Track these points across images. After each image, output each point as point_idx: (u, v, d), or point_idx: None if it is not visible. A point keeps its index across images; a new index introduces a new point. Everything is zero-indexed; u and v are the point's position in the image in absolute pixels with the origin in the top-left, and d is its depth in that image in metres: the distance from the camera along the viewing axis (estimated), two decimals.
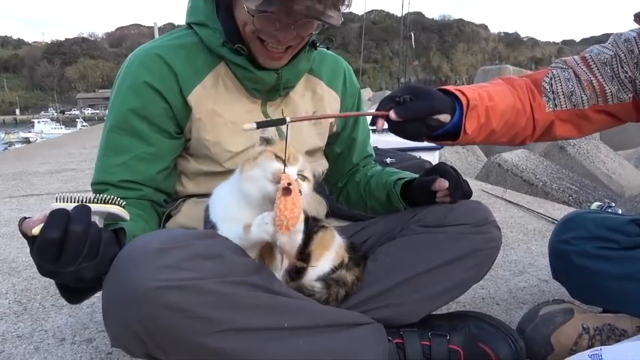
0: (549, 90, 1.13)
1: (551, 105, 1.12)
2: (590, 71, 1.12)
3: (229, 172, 1.04)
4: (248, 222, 0.79)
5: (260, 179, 0.80)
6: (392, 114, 0.91)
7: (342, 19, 0.96)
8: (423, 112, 0.94)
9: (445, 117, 0.96)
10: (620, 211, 2.06)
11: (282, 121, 0.82)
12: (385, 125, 0.94)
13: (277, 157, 0.82)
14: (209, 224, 0.87)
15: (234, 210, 0.84)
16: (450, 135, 1.02)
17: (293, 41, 0.99)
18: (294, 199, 0.73)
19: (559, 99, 1.12)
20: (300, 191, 0.76)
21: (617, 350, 0.85)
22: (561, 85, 1.13)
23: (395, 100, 0.93)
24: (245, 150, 1.05)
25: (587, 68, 1.13)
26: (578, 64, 1.14)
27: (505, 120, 1.07)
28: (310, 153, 1.15)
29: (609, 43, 1.15)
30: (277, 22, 0.93)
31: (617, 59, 1.10)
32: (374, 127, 0.95)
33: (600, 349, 0.86)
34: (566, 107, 1.12)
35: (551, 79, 1.14)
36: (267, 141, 0.87)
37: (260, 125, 0.81)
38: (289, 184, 0.74)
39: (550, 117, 1.13)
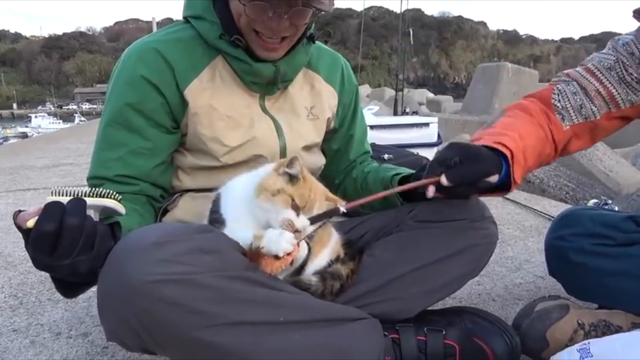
0: (559, 107, 1.12)
1: (567, 123, 1.12)
2: (597, 79, 1.11)
3: (225, 167, 1.04)
4: (259, 233, 0.80)
5: (270, 215, 0.81)
6: (443, 180, 0.87)
7: (334, 6, 0.97)
8: (475, 177, 0.91)
9: (494, 178, 0.94)
10: (617, 208, 2.07)
11: (336, 211, 0.86)
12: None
13: (293, 201, 0.81)
14: (217, 218, 0.87)
15: (245, 217, 0.84)
16: (498, 189, 1.00)
17: (288, 31, 0.98)
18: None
19: (569, 114, 1.12)
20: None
21: (605, 343, 0.86)
22: (569, 100, 1.12)
23: (446, 163, 0.90)
24: (242, 145, 1.04)
25: (593, 77, 1.12)
26: (583, 76, 1.13)
27: (538, 153, 1.07)
28: (307, 148, 1.15)
29: (608, 49, 1.14)
30: (269, 10, 0.93)
31: (620, 63, 1.10)
32: (427, 196, 0.92)
33: (589, 342, 0.86)
34: (578, 120, 1.12)
35: (558, 95, 1.13)
36: (291, 178, 0.83)
37: (313, 220, 0.83)
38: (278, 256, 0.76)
39: (568, 134, 1.13)
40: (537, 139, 1.07)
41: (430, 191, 0.91)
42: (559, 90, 1.13)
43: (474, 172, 0.90)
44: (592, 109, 1.10)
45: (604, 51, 1.15)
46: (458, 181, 0.88)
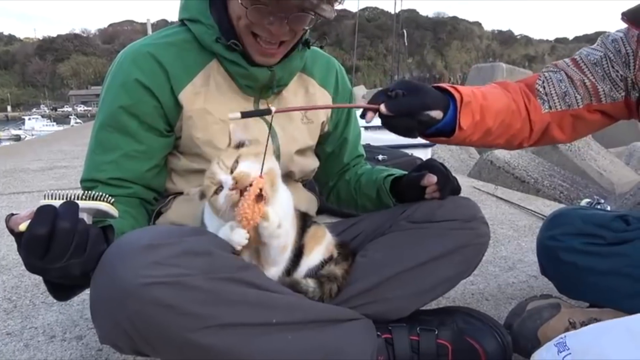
0: (542, 92, 1.15)
1: (546, 107, 1.14)
2: (582, 71, 1.14)
3: None
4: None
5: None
6: (382, 108, 0.91)
7: (335, 13, 0.96)
8: (414, 108, 0.93)
9: (437, 114, 0.96)
10: (609, 208, 2.09)
11: (268, 111, 0.84)
12: (377, 120, 0.95)
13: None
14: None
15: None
16: (445, 132, 1.02)
17: (286, 36, 0.99)
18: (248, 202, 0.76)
19: (553, 100, 1.14)
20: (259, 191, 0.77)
21: (580, 334, 0.86)
22: (554, 87, 1.15)
23: (387, 94, 0.93)
24: None
25: (578, 69, 1.15)
26: (569, 66, 1.16)
27: (501, 121, 1.08)
28: (301, 152, 1.15)
29: (597, 44, 1.17)
30: (271, 15, 0.93)
31: (607, 59, 1.12)
32: (365, 120, 0.96)
33: (565, 336, 0.86)
34: (560, 107, 1.14)
35: (543, 81, 1.16)
36: (239, 145, 0.86)
37: (245, 115, 0.81)
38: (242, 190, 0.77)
39: (546, 118, 1.14)
40: (505, 107, 1.09)
41: (369, 116, 0.93)
42: (545, 78, 1.17)
43: (413, 102, 0.93)
44: (575, 97, 1.13)
45: (593, 46, 1.18)
46: (396, 110, 0.91)
